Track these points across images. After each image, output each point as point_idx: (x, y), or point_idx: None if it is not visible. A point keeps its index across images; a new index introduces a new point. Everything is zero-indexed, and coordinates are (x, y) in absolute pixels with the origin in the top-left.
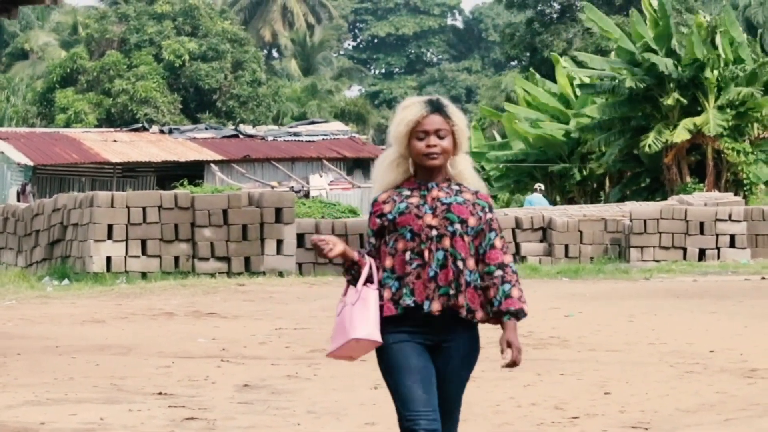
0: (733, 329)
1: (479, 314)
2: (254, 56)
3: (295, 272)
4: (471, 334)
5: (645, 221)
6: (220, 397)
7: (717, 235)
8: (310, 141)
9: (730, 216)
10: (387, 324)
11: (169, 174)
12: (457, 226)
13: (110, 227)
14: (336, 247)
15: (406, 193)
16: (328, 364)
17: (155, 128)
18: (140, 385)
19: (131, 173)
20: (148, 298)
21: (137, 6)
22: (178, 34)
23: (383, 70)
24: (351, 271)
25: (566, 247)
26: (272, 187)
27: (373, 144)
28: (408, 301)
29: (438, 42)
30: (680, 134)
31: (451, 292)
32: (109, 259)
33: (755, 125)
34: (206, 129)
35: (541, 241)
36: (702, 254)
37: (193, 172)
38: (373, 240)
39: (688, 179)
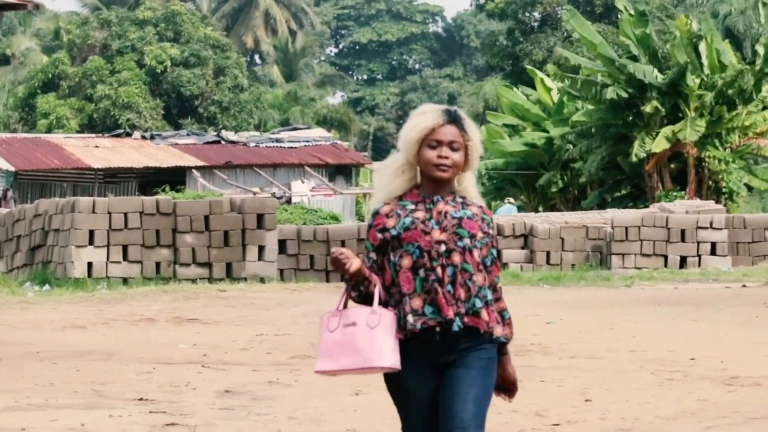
0: (713, 337)
1: (498, 330)
2: (236, 62)
3: (277, 278)
4: (486, 349)
5: (626, 228)
6: (201, 403)
7: (698, 243)
8: (292, 147)
9: (711, 224)
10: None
11: (150, 180)
12: (467, 240)
13: (91, 233)
14: (355, 262)
15: (411, 206)
16: (309, 370)
17: (137, 134)
18: (121, 391)
19: (113, 179)
20: (129, 303)
21: (119, 12)
22: (160, 40)
23: (365, 77)
24: (359, 287)
25: (548, 254)
26: (254, 193)
27: (355, 150)
28: (431, 318)
29: (420, 49)
30: (660, 143)
31: (468, 307)
32: (90, 264)
33: (736, 133)
34: (188, 135)
35: (523, 248)
36: (683, 262)
37: (175, 177)
38: (373, 255)
39: (670, 187)
